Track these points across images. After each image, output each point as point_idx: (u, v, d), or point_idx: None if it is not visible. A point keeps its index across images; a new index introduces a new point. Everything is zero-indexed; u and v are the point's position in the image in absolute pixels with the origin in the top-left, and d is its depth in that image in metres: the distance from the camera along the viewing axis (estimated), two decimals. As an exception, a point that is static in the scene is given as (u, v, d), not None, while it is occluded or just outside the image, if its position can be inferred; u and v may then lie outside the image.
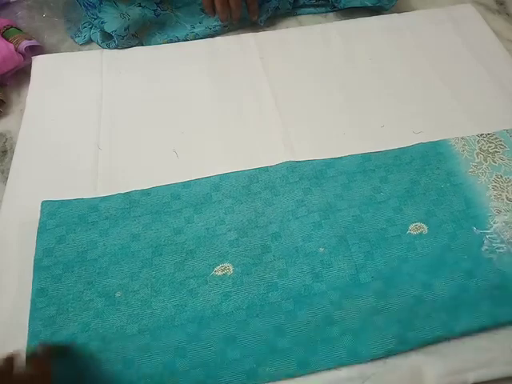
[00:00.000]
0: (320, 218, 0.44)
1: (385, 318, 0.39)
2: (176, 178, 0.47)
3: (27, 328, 0.39)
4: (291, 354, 0.38)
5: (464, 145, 0.49)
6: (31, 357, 0.35)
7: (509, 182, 0.46)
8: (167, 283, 0.41)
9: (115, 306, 0.40)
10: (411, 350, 0.38)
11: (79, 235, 0.43)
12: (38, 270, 0.41)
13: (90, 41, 0.62)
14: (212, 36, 0.62)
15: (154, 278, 0.41)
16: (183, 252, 0.43)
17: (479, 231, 0.43)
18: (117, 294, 0.40)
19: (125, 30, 0.57)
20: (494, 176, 0.47)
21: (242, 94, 0.56)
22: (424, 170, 0.47)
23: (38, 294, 0.40)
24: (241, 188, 0.46)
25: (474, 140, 0.49)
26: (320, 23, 0.64)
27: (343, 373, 0.38)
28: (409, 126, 0.53)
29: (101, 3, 0.56)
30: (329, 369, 0.38)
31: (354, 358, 0.38)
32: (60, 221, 0.44)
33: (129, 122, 0.53)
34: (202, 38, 0.62)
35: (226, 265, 0.42)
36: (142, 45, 0.61)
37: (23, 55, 0.57)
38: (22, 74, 0.58)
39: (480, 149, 0.49)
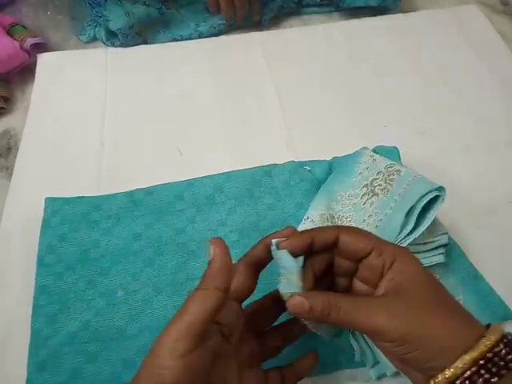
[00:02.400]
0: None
1: None
2: (179, 176, 0.47)
3: (30, 325, 0.39)
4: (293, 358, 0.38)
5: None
6: None
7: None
8: (168, 283, 0.41)
9: (116, 305, 0.40)
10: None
11: (82, 234, 0.43)
12: (40, 266, 0.41)
13: (94, 39, 0.62)
14: (216, 35, 0.62)
15: (155, 277, 0.41)
16: (185, 252, 0.43)
17: None
18: (118, 294, 0.40)
19: (129, 28, 0.58)
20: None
21: (246, 93, 0.56)
22: None
23: (41, 291, 0.40)
24: (244, 190, 0.46)
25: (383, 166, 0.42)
26: (324, 23, 0.64)
27: (346, 372, 0.38)
28: (412, 127, 0.53)
29: (106, 1, 0.57)
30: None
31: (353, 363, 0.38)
32: (63, 218, 0.44)
33: (133, 119, 0.53)
34: (206, 37, 0.62)
35: None
36: (147, 43, 0.61)
37: (28, 53, 0.57)
38: (26, 72, 0.58)
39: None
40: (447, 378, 0.24)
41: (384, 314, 0.26)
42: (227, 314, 0.29)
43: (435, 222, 0.39)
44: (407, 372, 0.28)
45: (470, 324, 0.26)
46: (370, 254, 0.29)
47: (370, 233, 0.30)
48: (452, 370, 0.24)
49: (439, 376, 0.25)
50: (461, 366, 0.24)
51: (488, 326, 0.26)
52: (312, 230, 0.31)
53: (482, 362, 0.24)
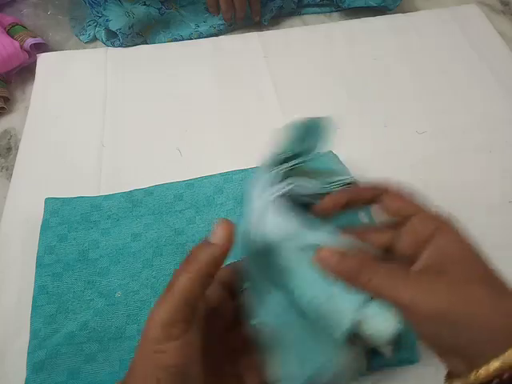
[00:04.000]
0: None
1: None
2: (179, 176, 0.47)
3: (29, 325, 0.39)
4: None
5: None
6: None
7: None
8: (167, 284, 0.41)
9: (115, 305, 0.40)
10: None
11: (81, 234, 0.43)
12: (39, 267, 0.41)
13: (94, 39, 0.62)
14: (216, 35, 0.63)
15: (154, 278, 0.41)
16: (184, 253, 0.42)
17: None
18: (117, 294, 0.40)
19: (129, 28, 0.58)
20: None
21: (246, 93, 0.56)
22: None
23: (39, 291, 0.40)
24: (243, 191, 0.46)
25: None
26: (324, 23, 0.64)
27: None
28: (412, 126, 0.53)
29: (106, 1, 0.56)
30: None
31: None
32: (62, 219, 0.44)
33: (133, 120, 0.53)
34: (206, 37, 0.62)
35: None
36: (147, 43, 0.61)
37: (28, 53, 0.57)
38: (26, 72, 0.58)
39: None
40: (495, 370, 0.20)
41: (423, 287, 0.23)
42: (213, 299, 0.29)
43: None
44: (446, 360, 0.24)
45: None
46: (411, 216, 0.27)
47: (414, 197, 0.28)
48: (501, 360, 0.20)
49: (484, 367, 0.21)
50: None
51: None
52: (351, 189, 0.29)
53: None
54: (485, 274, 0.24)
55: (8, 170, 0.50)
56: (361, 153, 0.50)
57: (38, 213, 0.44)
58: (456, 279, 0.23)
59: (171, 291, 0.25)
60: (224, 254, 0.25)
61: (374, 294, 0.25)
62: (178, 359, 0.23)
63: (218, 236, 0.26)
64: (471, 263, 0.24)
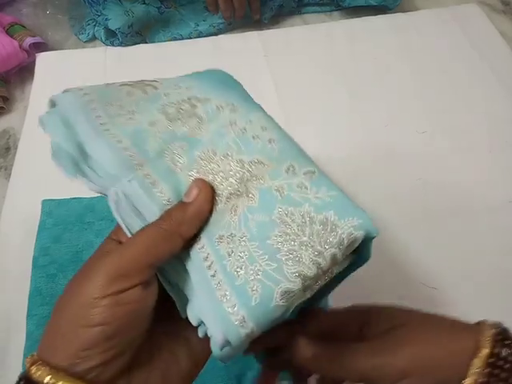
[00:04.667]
0: None
1: None
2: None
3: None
4: None
5: None
6: None
7: None
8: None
9: None
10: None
11: (75, 235, 0.43)
12: (34, 268, 0.41)
13: (93, 38, 0.62)
14: (216, 34, 0.62)
15: None
16: None
17: None
18: None
19: (129, 27, 0.57)
20: None
21: (246, 93, 0.56)
22: None
23: (34, 292, 0.40)
24: None
25: None
26: (324, 22, 0.64)
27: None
28: (413, 126, 0.52)
29: (105, 0, 0.56)
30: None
31: None
32: (57, 220, 0.44)
33: (132, 119, 0.53)
34: (205, 36, 0.62)
35: None
36: (146, 42, 0.61)
37: (27, 52, 0.57)
38: (25, 71, 0.58)
39: None
40: None
41: (384, 353, 0.24)
42: None
43: None
44: None
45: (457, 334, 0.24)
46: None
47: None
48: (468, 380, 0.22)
49: None
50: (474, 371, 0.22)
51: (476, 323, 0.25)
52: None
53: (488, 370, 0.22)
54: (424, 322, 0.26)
55: (7, 170, 0.50)
56: (361, 153, 0.50)
57: (37, 213, 0.44)
58: (403, 337, 0.25)
59: (128, 249, 0.22)
60: (199, 214, 0.23)
61: (350, 378, 0.26)
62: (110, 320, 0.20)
63: (192, 196, 0.23)
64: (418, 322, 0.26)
